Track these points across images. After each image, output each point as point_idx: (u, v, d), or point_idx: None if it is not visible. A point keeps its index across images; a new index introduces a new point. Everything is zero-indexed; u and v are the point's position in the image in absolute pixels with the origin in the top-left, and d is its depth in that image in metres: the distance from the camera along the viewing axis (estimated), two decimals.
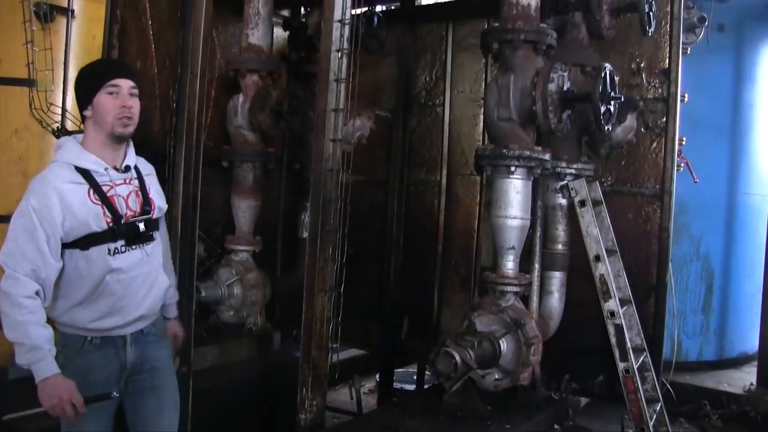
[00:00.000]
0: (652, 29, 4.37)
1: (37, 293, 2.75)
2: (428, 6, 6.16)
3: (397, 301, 6.04)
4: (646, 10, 4.26)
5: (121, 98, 2.91)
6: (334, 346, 3.86)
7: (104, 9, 4.97)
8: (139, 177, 3.07)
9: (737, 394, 5.38)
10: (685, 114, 4.83)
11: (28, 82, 4.97)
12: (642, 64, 4.83)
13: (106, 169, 2.93)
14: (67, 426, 2.89)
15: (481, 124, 5.61)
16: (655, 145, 4.79)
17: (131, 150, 3.09)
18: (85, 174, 2.87)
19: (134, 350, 3.04)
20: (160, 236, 3.19)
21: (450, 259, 5.84)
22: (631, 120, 4.46)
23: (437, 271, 5.88)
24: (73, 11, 5.24)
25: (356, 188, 3.89)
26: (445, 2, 6.04)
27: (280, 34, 5.91)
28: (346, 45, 3.68)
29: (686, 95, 4.81)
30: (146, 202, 3.04)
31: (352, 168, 3.92)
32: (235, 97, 5.16)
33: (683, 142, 4.96)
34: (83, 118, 3.00)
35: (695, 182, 5.49)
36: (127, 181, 3.00)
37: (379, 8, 5.80)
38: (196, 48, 4.63)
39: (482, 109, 5.48)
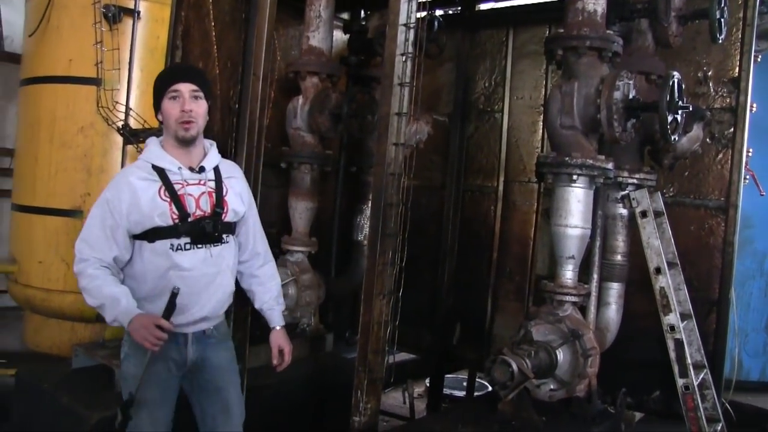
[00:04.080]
0: (722, 36, 4.24)
1: (104, 267, 2.93)
2: (488, 11, 6.09)
3: (449, 307, 6.01)
4: (718, 16, 4.12)
5: (180, 102, 3.01)
6: (389, 350, 3.87)
7: (168, 11, 5.09)
8: (218, 179, 3.15)
9: None
10: (753, 124, 4.69)
11: (96, 81, 5.12)
12: (709, 73, 4.70)
13: (179, 168, 3.05)
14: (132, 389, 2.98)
15: (541, 131, 5.56)
16: (720, 156, 4.67)
17: (213, 152, 3.19)
18: (160, 172, 3.00)
19: (195, 350, 3.16)
20: (250, 238, 3.29)
21: (504, 266, 5.78)
22: (697, 130, 4.33)
23: (491, 278, 5.83)
24: (138, 12, 5.35)
25: (412, 193, 3.88)
26: (505, 8, 5.97)
27: (339, 37, 5.92)
28: (410, 49, 3.67)
29: (754, 105, 4.67)
30: (218, 204, 3.10)
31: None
32: (294, 99, 5.19)
33: (750, 154, 4.82)
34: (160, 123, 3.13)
35: (761, 195, 5.32)
36: (201, 182, 3.09)
37: (438, 13, 5.77)
38: (259, 49, 4.68)
39: (542, 116, 5.44)
